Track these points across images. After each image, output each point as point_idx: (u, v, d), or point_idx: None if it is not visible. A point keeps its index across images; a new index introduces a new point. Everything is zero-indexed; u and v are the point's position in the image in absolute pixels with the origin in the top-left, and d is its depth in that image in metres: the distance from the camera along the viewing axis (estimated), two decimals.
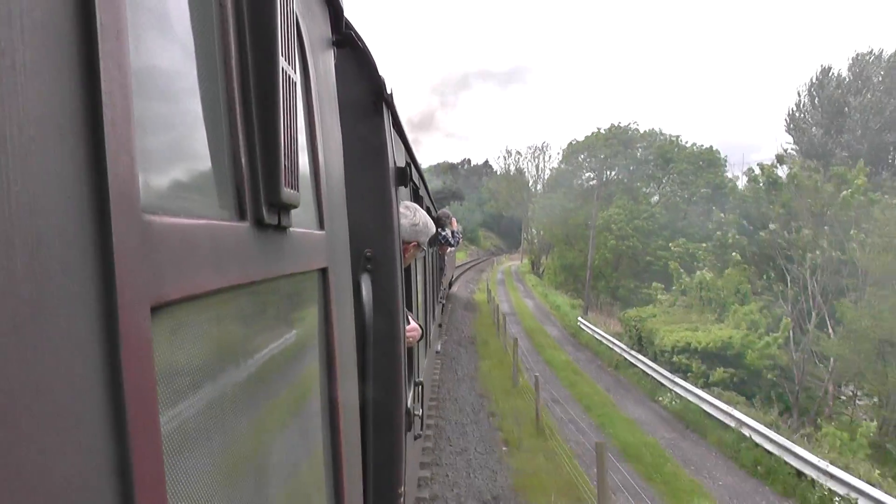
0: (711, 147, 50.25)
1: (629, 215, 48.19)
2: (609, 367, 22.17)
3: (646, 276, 43.36)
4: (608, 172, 54.53)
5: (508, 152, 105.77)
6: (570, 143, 59.18)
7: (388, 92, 2.62)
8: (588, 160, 56.48)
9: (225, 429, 0.78)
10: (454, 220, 8.28)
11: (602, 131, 55.16)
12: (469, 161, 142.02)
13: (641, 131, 54.99)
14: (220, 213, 0.80)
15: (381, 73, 2.55)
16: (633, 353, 21.77)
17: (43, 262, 0.42)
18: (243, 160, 0.86)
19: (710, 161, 48.96)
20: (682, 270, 28.56)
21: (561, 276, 53.87)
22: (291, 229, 1.07)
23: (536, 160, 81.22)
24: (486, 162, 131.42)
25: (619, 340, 24.03)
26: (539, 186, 76.90)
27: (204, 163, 0.78)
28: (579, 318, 30.27)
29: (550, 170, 71.05)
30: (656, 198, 51.16)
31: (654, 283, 33.57)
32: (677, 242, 35.62)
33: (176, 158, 0.71)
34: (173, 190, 0.68)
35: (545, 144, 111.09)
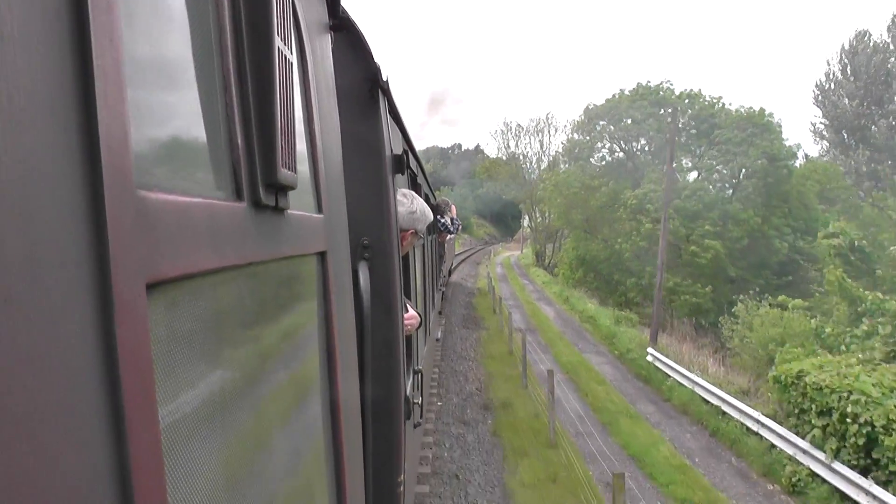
0: (763, 110, 38.37)
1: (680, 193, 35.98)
2: (772, 481, 11.08)
3: (722, 275, 34.54)
4: (635, 143, 44.59)
5: (507, 126, 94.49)
6: (587, 107, 46.53)
7: (385, 78, 2.60)
8: (610, 127, 44.65)
9: (223, 411, 0.78)
10: (453, 207, 8.27)
11: (626, 92, 43.87)
12: (460, 146, 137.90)
13: (677, 92, 42.53)
14: (216, 193, 0.79)
15: (376, 59, 2.53)
16: (835, 467, 10.10)
17: (35, 236, 0.42)
18: (239, 140, 0.85)
19: (762, 126, 37.55)
20: (849, 281, 17.13)
21: (579, 272, 43.23)
22: (289, 211, 1.06)
23: (540, 134, 68.50)
24: (478, 146, 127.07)
25: (764, 413, 12.52)
26: (545, 163, 64.64)
27: (199, 141, 0.77)
28: (649, 351, 18.72)
29: (563, 143, 54.62)
30: (694, 174, 41.34)
31: (780, 294, 23.37)
32: (833, 229, 22.27)
33: (171, 136, 0.70)
34: (168, 167, 0.68)
35: (550, 116, 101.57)
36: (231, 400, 0.81)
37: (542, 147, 68.26)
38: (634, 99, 42.87)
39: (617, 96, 44.21)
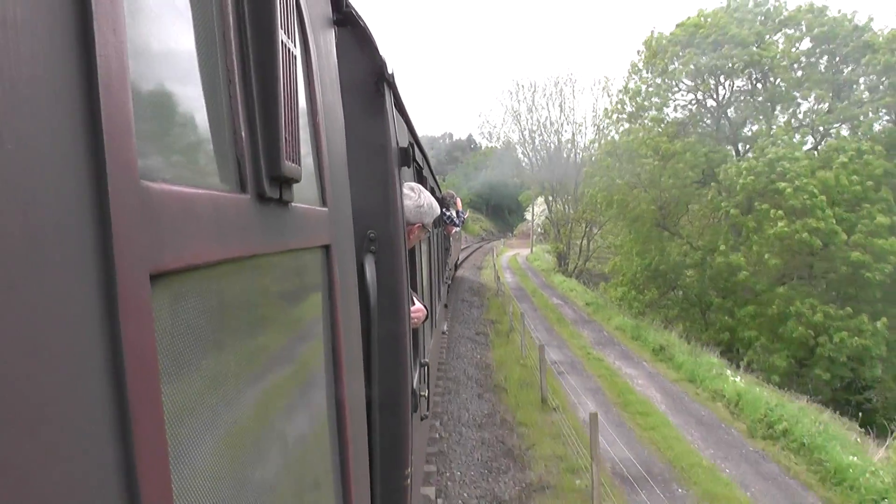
0: None
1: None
2: None
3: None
4: (728, 82, 29.47)
5: (518, 86, 73.18)
6: (649, 39, 31.17)
7: (390, 72, 2.60)
8: (694, 63, 28.63)
9: (227, 402, 0.78)
10: (458, 200, 8.26)
11: (706, 13, 29.64)
12: (451, 135, 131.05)
13: (788, 9, 28.28)
14: (220, 185, 0.80)
15: (381, 52, 2.53)
16: None
17: (38, 226, 0.42)
18: (243, 133, 0.85)
19: None
20: None
21: (649, 292, 29.27)
22: (293, 204, 1.07)
23: (560, 96, 51.98)
24: (470, 136, 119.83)
25: None
26: (566, 134, 48.22)
27: (203, 134, 0.77)
28: None
29: (605, 108, 40.83)
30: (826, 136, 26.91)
31: None
32: None
33: (175, 128, 0.70)
34: (172, 159, 0.68)
35: (571, 76, 78.25)
36: (235, 391, 0.81)
37: (562, 111, 52.98)
38: (724, 23, 28.31)
39: (696, 19, 29.68)
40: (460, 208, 8.21)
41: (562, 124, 48.81)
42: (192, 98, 0.75)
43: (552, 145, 48.99)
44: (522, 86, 64.64)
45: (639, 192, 29.14)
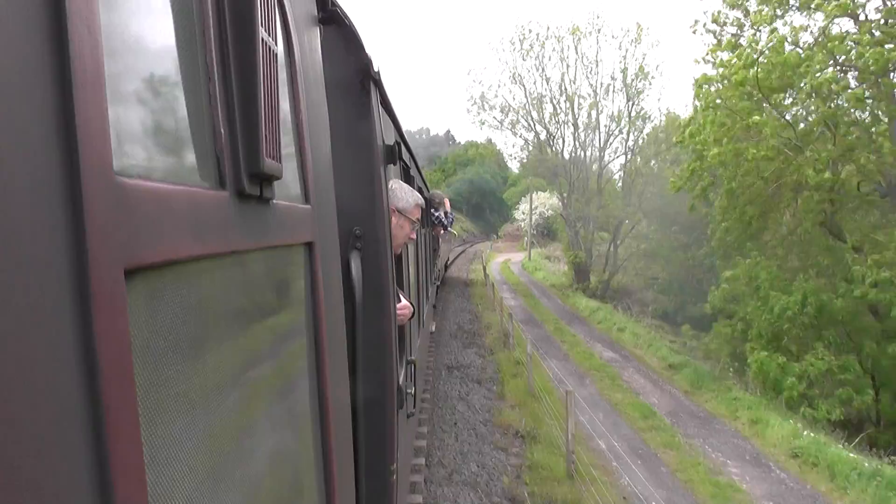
0: None
1: None
2: None
3: None
4: None
5: (523, 34, 41.07)
6: None
7: (376, 70, 2.61)
8: None
9: (205, 401, 0.78)
10: (447, 201, 8.26)
11: None
12: (428, 130, 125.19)
13: None
14: (199, 182, 0.80)
15: (367, 50, 2.53)
16: None
17: (10, 222, 0.42)
18: (222, 130, 0.85)
19: None
20: None
21: (815, 363, 14.80)
22: (274, 201, 1.07)
23: (576, 47, 35.21)
24: (449, 132, 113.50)
25: None
26: (583, 106, 34.81)
27: (181, 130, 0.78)
28: None
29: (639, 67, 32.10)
30: None
31: None
32: None
33: (151, 124, 0.70)
34: (149, 155, 0.68)
35: (598, 18, 47.47)
36: (214, 389, 0.81)
37: (584, 64, 39.05)
38: None
39: None
40: (449, 209, 8.21)
41: (576, 89, 34.88)
42: (170, 95, 0.75)
43: (567, 115, 35.19)
44: (530, 31, 42.60)
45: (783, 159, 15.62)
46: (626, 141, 35.56)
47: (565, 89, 34.90)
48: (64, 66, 0.48)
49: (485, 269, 33.05)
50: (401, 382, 3.10)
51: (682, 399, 14.01)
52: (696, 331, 25.08)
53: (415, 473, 5.92)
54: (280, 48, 1.16)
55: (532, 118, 36.38)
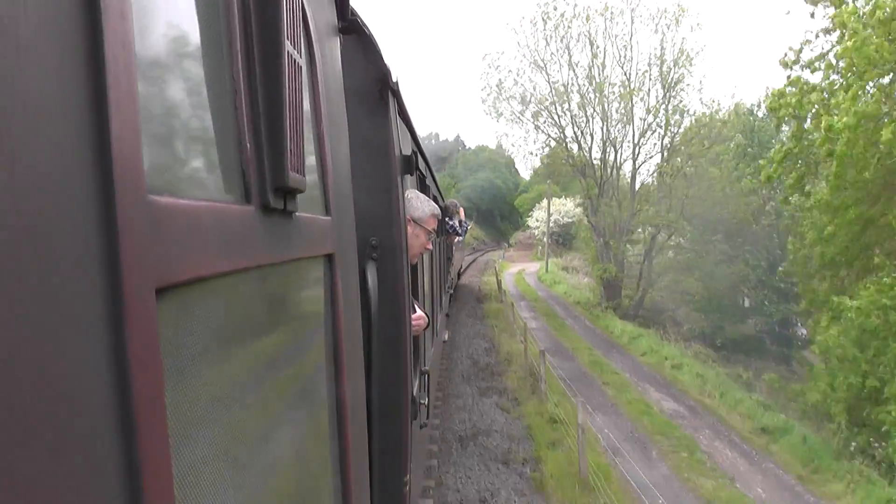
0: None
1: None
2: None
3: None
4: None
5: (550, 10, 31.28)
6: None
7: (395, 80, 2.61)
8: None
9: (231, 413, 0.79)
10: (461, 209, 8.28)
11: None
12: (437, 135, 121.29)
13: None
14: (225, 197, 0.80)
15: (386, 60, 2.54)
16: None
17: (46, 241, 0.42)
18: (248, 144, 0.86)
19: None
20: None
21: None
22: (297, 214, 1.07)
23: (607, 30, 30.98)
24: (458, 137, 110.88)
25: None
26: (612, 98, 30.75)
27: (209, 146, 0.78)
28: None
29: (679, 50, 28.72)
30: None
31: None
32: None
33: (181, 141, 0.70)
34: (178, 172, 0.68)
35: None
36: (239, 402, 0.81)
37: (617, 48, 35.25)
38: None
39: None
40: (463, 218, 8.22)
41: (605, 76, 30.28)
42: (198, 111, 0.76)
43: (597, 106, 30.77)
44: (554, 9, 31.19)
45: None
46: (663, 137, 30.95)
47: (594, 77, 30.78)
48: (101, 87, 0.48)
49: (499, 283, 29.95)
50: (415, 393, 3.09)
51: (796, 489, 9.59)
52: (730, 352, 19.70)
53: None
54: (303, 60, 1.16)
55: (556, 109, 31.85)
